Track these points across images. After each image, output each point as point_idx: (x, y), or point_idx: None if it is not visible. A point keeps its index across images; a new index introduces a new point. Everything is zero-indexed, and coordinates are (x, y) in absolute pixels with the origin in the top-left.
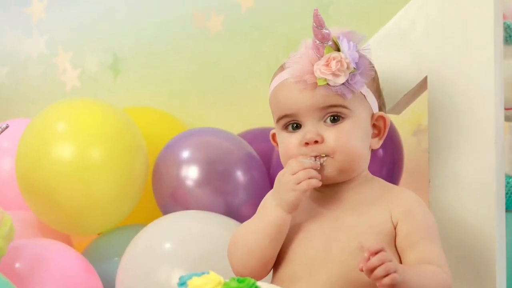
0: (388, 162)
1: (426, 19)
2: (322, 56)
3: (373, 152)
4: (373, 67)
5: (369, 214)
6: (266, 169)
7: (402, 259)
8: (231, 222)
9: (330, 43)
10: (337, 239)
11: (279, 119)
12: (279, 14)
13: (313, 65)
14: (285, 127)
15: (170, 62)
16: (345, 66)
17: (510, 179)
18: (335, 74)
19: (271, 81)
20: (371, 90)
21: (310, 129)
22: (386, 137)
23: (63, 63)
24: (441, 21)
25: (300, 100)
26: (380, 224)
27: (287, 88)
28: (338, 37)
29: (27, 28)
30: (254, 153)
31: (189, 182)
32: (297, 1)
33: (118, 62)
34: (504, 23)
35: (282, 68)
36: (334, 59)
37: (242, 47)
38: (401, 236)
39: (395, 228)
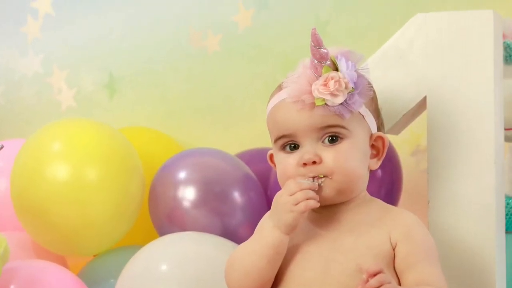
0: (387, 183)
1: (425, 38)
2: (320, 76)
3: (372, 172)
4: (372, 87)
5: (367, 235)
6: (264, 190)
7: (401, 281)
8: (228, 243)
9: (328, 62)
10: (335, 261)
11: (276, 140)
12: (276, 34)
13: (311, 85)
14: (283, 147)
15: (166, 81)
16: (344, 85)
17: (510, 200)
18: (333, 94)
19: (269, 101)
20: (369, 110)
21: (308, 149)
22: (385, 157)
23: (58, 82)
24: (440, 41)
25: (298, 120)
26: (379, 245)
27: (284, 108)
28: (337, 57)
29: (22, 47)
30: (252, 173)
31: (186, 203)
32: (295, 20)
33: (114, 81)
34: (504, 42)
35: (279, 88)
36: (332, 78)
37: (239, 67)
38: (400, 257)
39: (394, 249)
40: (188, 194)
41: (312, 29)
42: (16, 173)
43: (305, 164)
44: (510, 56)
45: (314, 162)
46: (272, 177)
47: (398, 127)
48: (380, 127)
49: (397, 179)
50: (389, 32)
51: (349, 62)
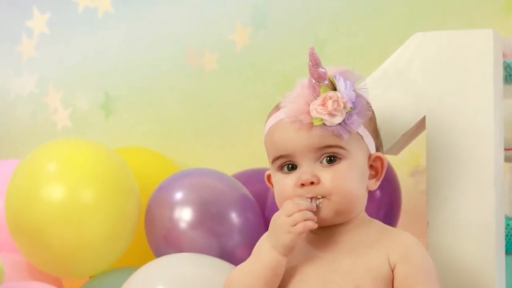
0: (386, 204)
1: (423, 58)
2: (318, 96)
3: (370, 193)
4: (370, 106)
5: (366, 257)
6: (261, 211)
7: None
8: (225, 264)
9: (327, 82)
10: (333, 282)
11: (274, 160)
12: (274, 52)
13: (309, 105)
14: (281, 168)
15: (163, 101)
16: (342, 105)
17: (510, 221)
18: (331, 114)
19: (266, 121)
20: (368, 130)
21: (306, 170)
22: (384, 178)
23: (53, 102)
24: (439, 60)
25: (295, 140)
26: (378, 267)
27: (282, 128)
28: (335, 76)
29: (17, 66)
30: (249, 194)
31: (183, 224)
32: (293, 39)
33: (110, 101)
34: (504, 61)
35: (277, 108)
36: (330, 98)
37: (236, 86)
38: (399, 278)
39: (392, 271)
40: (184, 215)
41: (310, 48)
42: (11, 194)
43: (303, 185)
44: (510, 75)
45: (312, 183)
46: (270, 198)
47: (397, 148)
48: (379, 147)
49: (396, 199)
50: (388, 51)
51: (348, 82)
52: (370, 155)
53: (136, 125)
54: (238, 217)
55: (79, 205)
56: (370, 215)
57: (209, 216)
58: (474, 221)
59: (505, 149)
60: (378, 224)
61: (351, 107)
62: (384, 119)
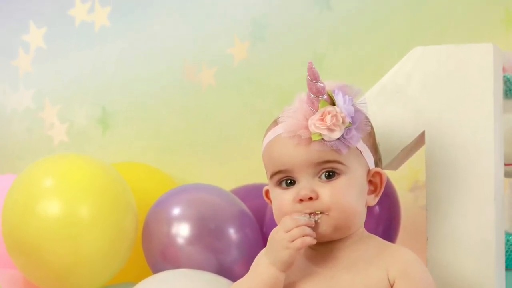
0: (385, 219)
1: (423, 73)
2: (317, 110)
3: (370, 209)
4: (369, 121)
5: (365, 273)
6: (259, 227)
7: None
8: (223, 281)
9: (325, 97)
10: None
11: (272, 175)
12: (272, 67)
13: (307, 120)
14: (279, 183)
15: (160, 116)
16: (341, 120)
17: (510, 237)
18: (330, 129)
19: (264, 136)
20: (367, 145)
21: (304, 185)
22: (383, 193)
23: (50, 117)
24: (438, 75)
25: (294, 155)
26: (377, 284)
27: (280, 143)
28: (333, 91)
29: (13, 81)
30: (247, 210)
31: (180, 240)
32: (291, 54)
33: (107, 116)
34: (504, 76)
35: (275, 122)
36: (329, 113)
37: (234, 101)
38: None
39: (391, 287)
40: (182, 231)
41: (309, 63)
42: (8, 210)
43: (301, 200)
44: (510, 90)
45: (310, 198)
46: (268, 213)
47: (396, 163)
48: (378, 162)
49: (395, 215)
50: (387, 65)
51: (346, 97)
52: (369, 171)
53: (134, 140)
54: (236, 233)
55: (76, 220)
56: (369, 230)
57: (207, 231)
58: (474, 237)
59: (505, 164)
60: (377, 240)
61: (350, 122)
62: (383, 134)
